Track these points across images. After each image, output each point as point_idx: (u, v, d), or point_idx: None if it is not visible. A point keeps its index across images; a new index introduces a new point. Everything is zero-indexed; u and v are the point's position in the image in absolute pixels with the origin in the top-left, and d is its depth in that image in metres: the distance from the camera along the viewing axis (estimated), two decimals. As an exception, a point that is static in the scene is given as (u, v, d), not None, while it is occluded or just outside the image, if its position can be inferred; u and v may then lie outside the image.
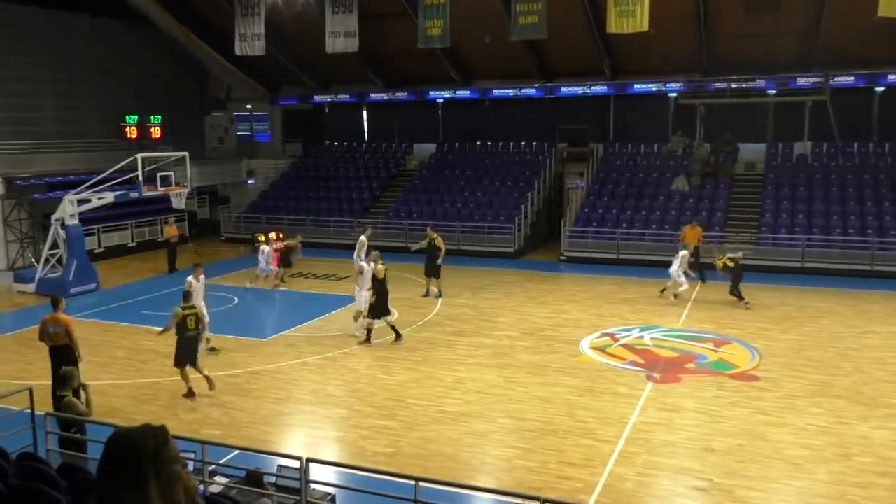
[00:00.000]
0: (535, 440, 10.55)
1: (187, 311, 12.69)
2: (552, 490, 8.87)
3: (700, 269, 20.88)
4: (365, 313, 15.62)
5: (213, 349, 14.91)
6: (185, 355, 12.48)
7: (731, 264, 18.40)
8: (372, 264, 15.79)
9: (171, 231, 23.98)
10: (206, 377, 12.56)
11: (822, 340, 15.42)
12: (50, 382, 10.98)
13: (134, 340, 15.98)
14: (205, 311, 14.74)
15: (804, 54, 25.30)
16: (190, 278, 14.88)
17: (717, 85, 26.70)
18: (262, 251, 20.95)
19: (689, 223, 22.09)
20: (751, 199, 25.51)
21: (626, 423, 11.07)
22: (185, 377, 12.48)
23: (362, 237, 20.38)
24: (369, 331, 15.42)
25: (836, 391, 12.41)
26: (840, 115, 25.76)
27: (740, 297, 18.23)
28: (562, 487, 9.09)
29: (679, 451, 10.12)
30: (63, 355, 11.40)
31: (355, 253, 19.63)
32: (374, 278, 15.44)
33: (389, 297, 15.50)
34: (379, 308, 15.33)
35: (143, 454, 2.18)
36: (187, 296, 13.11)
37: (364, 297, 15.65)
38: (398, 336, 15.49)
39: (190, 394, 12.44)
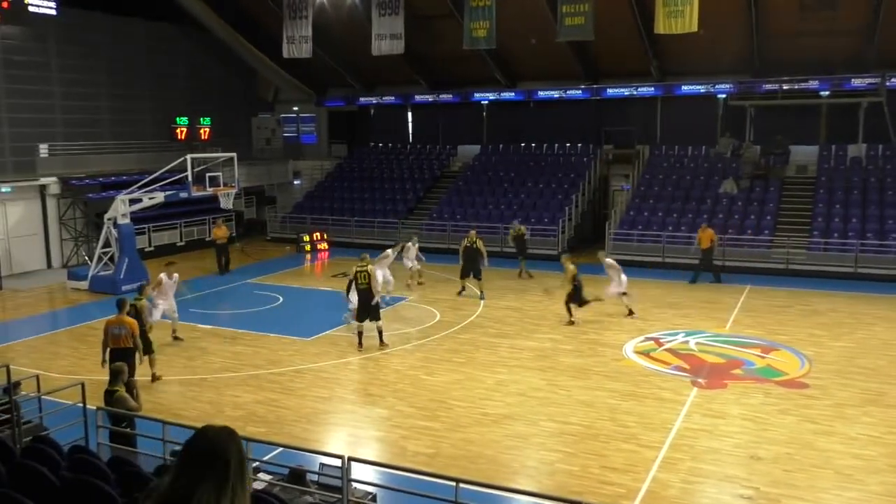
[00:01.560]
0: (577, 444, 10.47)
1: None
2: (594, 495, 8.80)
3: (715, 270, 21.37)
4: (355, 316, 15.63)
5: (177, 338, 15.77)
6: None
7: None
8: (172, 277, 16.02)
9: (219, 232, 23.88)
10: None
11: (875, 348, 14.99)
12: (102, 378, 11.30)
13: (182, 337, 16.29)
14: (174, 307, 15.80)
15: (860, 54, 24.64)
16: (162, 275, 15.74)
17: (768, 86, 26.18)
18: (408, 248, 20.95)
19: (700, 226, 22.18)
20: (802, 203, 24.93)
21: (670, 429, 10.92)
22: (151, 362, 13.28)
23: (389, 251, 19.76)
24: (360, 333, 15.20)
25: (889, 400, 12.06)
26: (897, 117, 25.05)
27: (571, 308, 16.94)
28: (603, 492, 9.01)
29: (724, 459, 9.94)
30: (125, 357, 11.51)
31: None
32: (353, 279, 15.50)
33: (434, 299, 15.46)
34: (359, 312, 15.19)
35: (237, 458, 2.25)
36: (141, 289, 13.97)
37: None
38: (360, 344, 15.22)
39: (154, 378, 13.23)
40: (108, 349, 11.84)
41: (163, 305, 15.68)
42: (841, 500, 8.84)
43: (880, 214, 23.15)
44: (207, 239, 27.47)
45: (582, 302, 17.05)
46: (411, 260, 20.96)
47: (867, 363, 13.98)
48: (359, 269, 15.21)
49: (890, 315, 17.64)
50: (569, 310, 16.96)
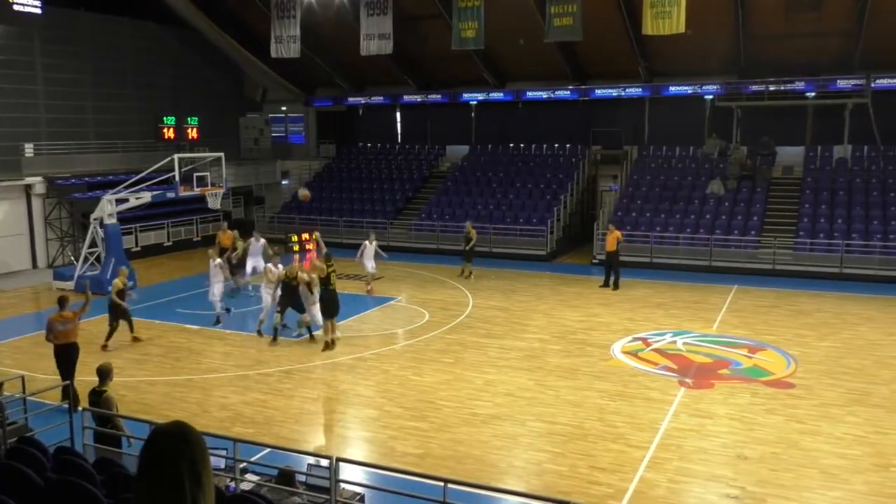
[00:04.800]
0: (565, 444, 10.49)
1: None
2: (582, 495, 8.81)
3: (616, 274, 20.88)
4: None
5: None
6: None
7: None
8: (278, 267, 16.16)
9: (225, 238, 21.52)
10: None
11: (861, 348, 15.10)
12: (83, 378, 11.25)
13: (169, 338, 16.23)
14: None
15: (845, 55, 24.82)
16: (269, 265, 16.66)
17: (755, 87, 26.34)
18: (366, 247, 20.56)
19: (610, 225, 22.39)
20: (788, 204, 25.10)
21: (658, 429, 10.96)
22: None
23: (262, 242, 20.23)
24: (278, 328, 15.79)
25: (874, 400, 12.15)
26: (881, 118, 25.24)
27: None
28: (591, 492, 9.03)
29: (711, 458, 9.99)
30: (70, 352, 12.04)
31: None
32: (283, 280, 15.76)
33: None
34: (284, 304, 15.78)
35: (201, 441, 2.19)
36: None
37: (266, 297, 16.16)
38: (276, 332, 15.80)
39: None
40: (55, 345, 12.13)
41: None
42: (826, 499, 8.89)
43: (865, 215, 23.34)
44: (195, 239, 27.20)
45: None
46: (369, 259, 20.33)
47: (853, 363, 14.08)
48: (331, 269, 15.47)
49: (875, 315, 17.78)
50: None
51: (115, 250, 21.22)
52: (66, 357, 11.98)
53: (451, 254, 26.18)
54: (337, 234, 28.56)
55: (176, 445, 2.16)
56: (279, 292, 16.07)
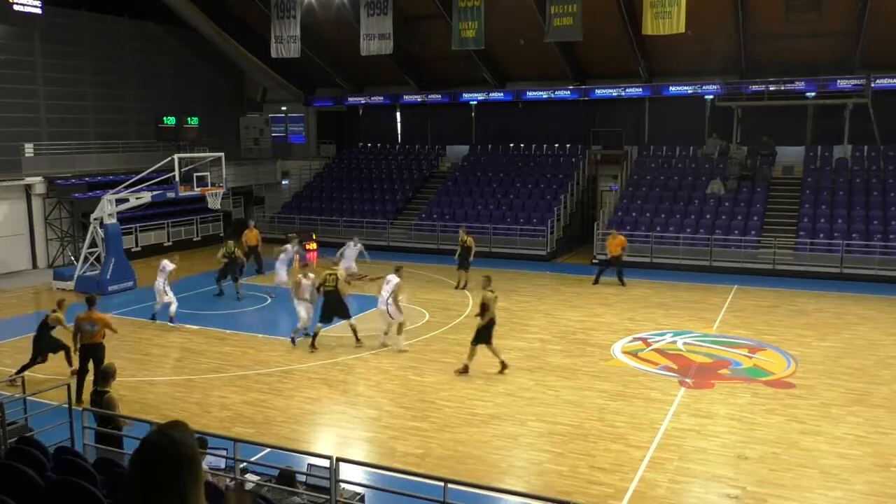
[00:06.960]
0: (566, 444, 10.49)
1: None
2: (582, 495, 8.81)
3: (618, 270, 21.19)
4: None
5: None
6: None
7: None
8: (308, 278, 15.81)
9: (252, 236, 22.27)
10: None
11: (861, 348, 15.10)
12: (88, 378, 11.26)
13: (169, 338, 16.24)
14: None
15: (845, 56, 24.82)
16: (300, 278, 15.79)
17: (755, 87, 26.32)
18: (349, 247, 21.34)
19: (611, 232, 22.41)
20: (789, 204, 25.10)
21: (658, 429, 10.96)
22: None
23: (288, 245, 20.17)
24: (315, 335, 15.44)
25: (874, 400, 12.15)
26: (882, 119, 25.23)
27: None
28: (591, 492, 9.02)
29: (711, 458, 9.98)
30: (95, 352, 12.11)
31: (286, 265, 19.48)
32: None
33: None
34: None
35: (193, 455, 2.17)
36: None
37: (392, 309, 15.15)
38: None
39: None
40: (80, 345, 12.21)
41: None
42: (827, 499, 8.88)
43: (865, 215, 23.34)
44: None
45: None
46: (350, 260, 20.80)
47: (853, 363, 14.08)
48: (329, 272, 15.38)
49: (875, 315, 17.78)
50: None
51: (115, 250, 21.22)
52: (91, 356, 12.12)
53: (451, 254, 26.16)
54: (337, 235, 28.57)
55: (157, 464, 2.14)
56: (316, 302, 15.47)
